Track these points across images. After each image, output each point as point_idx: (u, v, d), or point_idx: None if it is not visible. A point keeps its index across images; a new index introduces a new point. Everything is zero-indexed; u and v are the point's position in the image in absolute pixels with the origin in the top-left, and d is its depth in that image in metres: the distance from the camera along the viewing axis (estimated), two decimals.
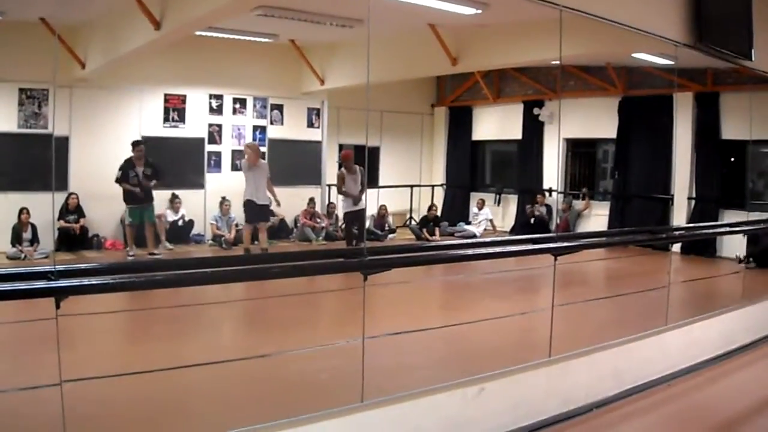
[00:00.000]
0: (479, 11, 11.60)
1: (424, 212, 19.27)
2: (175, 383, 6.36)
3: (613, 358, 6.56)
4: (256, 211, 13.98)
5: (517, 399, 5.63)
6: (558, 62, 14.95)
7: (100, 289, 4.03)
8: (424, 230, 18.13)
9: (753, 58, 8.61)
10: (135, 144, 14.48)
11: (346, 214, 14.38)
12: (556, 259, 6.18)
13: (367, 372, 4.89)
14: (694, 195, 16.60)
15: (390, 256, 5.11)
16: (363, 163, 15.09)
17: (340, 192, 14.36)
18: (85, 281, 3.93)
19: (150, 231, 14.48)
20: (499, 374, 5.55)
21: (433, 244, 8.33)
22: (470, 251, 5.99)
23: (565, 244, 6.42)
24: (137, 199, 14.19)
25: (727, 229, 9.46)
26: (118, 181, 14.15)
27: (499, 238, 11.21)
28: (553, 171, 19.18)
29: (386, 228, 18.20)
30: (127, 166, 14.21)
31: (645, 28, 7.12)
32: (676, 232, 8.79)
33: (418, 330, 8.37)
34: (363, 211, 13.95)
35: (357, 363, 4.95)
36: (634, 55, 13.63)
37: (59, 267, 3.88)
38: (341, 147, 18.92)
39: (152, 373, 6.39)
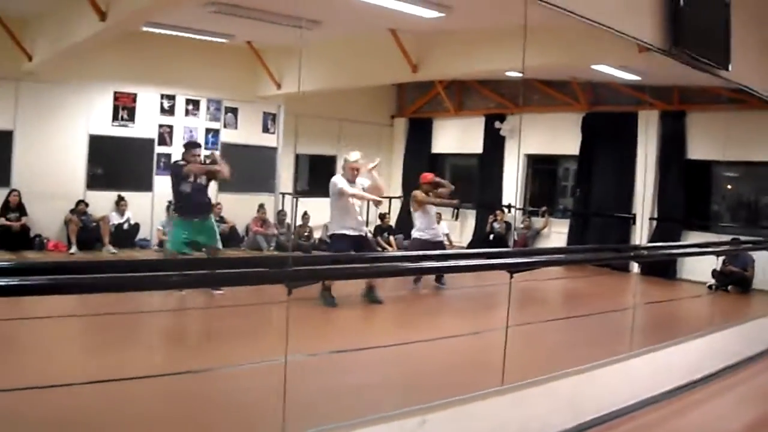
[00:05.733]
0: (442, 14, 11.26)
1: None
2: (89, 399, 5.74)
3: (571, 387, 6.00)
4: None
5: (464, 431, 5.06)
6: (520, 74, 14.61)
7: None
8: (379, 239, 17.64)
9: (730, 69, 8.15)
10: (190, 146, 11.56)
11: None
12: (512, 276, 5.60)
13: (300, 395, 4.33)
14: (656, 215, 16.19)
15: (317, 267, 4.50)
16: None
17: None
18: None
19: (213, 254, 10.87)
20: (444, 404, 4.93)
21: (369, 255, 7.69)
22: (410, 264, 5.32)
23: (522, 260, 5.83)
24: (195, 210, 10.84)
25: (696, 250, 8.97)
26: (175, 189, 10.92)
27: (449, 251, 10.61)
28: (513, 187, 18.85)
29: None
30: (180, 172, 10.86)
31: (618, 27, 6.63)
32: (644, 251, 8.24)
33: (361, 349, 7.85)
34: None
35: (291, 382, 4.38)
36: (598, 68, 13.25)
37: None
38: (297, 156, 18.52)
39: (65, 387, 5.79)
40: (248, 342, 8.07)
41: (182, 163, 10.78)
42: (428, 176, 12.91)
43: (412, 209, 12.86)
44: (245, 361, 6.98)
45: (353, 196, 10.57)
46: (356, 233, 10.59)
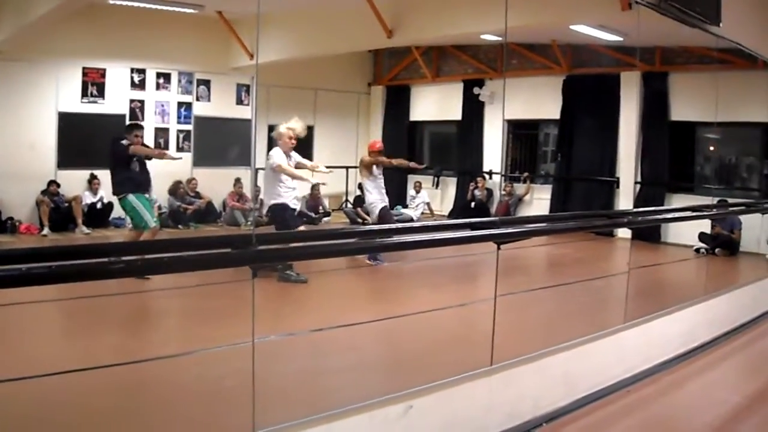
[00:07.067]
0: None
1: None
2: (50, 393, 5.41)
3: (564, 363, 5.70)
4: None
5: (453, 416, 4.73)
6: (497, 38, 14.34)
7: None
8: (359, 210, 17.33)
9: (721, 25, 7.83)
10: (134, 127, 11.06)
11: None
12: (499, 248, 5.26)
13: (273, 381, 4.00)
14: (639, 178, 15.94)
15: (285, 246, 4.12)
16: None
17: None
18: None
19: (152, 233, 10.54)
20: (430, 388, 4.61)
21: (343, 229, 7.24)
22: (391, 239, 4.94)
23: (509, 230, 5.46)
24: (145, 185, 10.57)
25: (689, 214, 8.66)
26: (122, 166, 10.40)
27: (431, 223, 10.25)
28: (493, 153, 18.66)
29: (320, 210, 17.41)
30: (123, 151, 10.36)
31: None
32: (639, 217, 7.90)
33: (341, 326, 7.53)
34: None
35: (262, 368, 4.04)
36: (579, 29, 12.94)
37: None
38: (271, 127, 18.19)
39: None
40: (215, 324, 7.69)
41: (125, 143, 10.28)
42: (376, 143, 12.39)
43: (361, 177, 12.49)
44: (212, 345, 6.64)
45: (290, 174, 10.16)
46: (295, 206, 10.39)
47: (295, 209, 10.37)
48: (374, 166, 11.99)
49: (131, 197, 10.13)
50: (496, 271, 5.41)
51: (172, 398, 5.44)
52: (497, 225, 5.35)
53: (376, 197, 12.10)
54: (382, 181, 12.25)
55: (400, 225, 9.71)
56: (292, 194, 10.28)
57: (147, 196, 10.48)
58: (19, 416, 4.90)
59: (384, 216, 12.05)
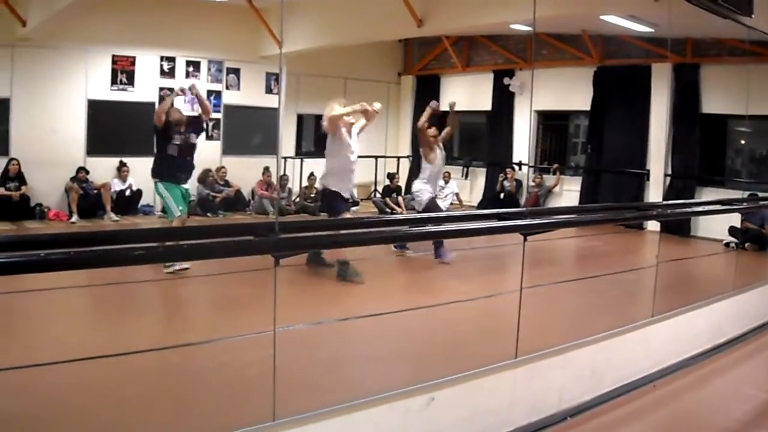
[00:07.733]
0: None
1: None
2: (74, 378, 5.44)
3: (590, 356, 5.64)
4: None
5: (476, 408, 4.68)
6: (527, 27, 14.24)
7: None
8: (388, 200, 17.31)
9: (753, 16, 7.72)
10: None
11: None
12: (525, 239, 5.19)
13: (296, 370, 3.96)
14: (669, 171, 15.81)
15: (308, 234, 4.08)
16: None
17: None
18: None
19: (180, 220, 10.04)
20: (454, 380, 4.57)
21: (367, 218, 7.12)
22: (418, 228, 4.89)
23: (537, 221, 5.39)
24: (179, 172, 10.05)
25: (720, 207, 8.52)
26: (156, 145, 10.18)
27: (457, 213, 10.19)
28: (523, 144, 18.62)
29: (349, 199, 17.36)
30: (165, 129, 10.01)
31: None
32: (669, 210, 7.80)
33: (367, 316, 7.51)
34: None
35: (286, 356, 4.01)
36: (609, 19, 12.82)
37: None
38: (300, 116, 18.15)
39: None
40: (240, 312, 7.67)
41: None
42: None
43: (422, 155, 11.77)
44: (237, 333, 6.63)
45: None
46: (349, 196, 10.15)
47: (348, 199, 10.11)
48: (436, 146, 11.68)
49: (161, 185, 9.92)
50: (522, 262, 5.36)
51: (193, 386, 5.45)
52: (525, 216, 5.30)
53: (425, 185, 11.47)
54: (442, 166, 12.02)
55: (427, 215, 9.58)
56: (348, 181, 10.06)
57: (183, 186, 10.02)
58: (40, 402, 4.91)
59: (430, 209, 11.29)
